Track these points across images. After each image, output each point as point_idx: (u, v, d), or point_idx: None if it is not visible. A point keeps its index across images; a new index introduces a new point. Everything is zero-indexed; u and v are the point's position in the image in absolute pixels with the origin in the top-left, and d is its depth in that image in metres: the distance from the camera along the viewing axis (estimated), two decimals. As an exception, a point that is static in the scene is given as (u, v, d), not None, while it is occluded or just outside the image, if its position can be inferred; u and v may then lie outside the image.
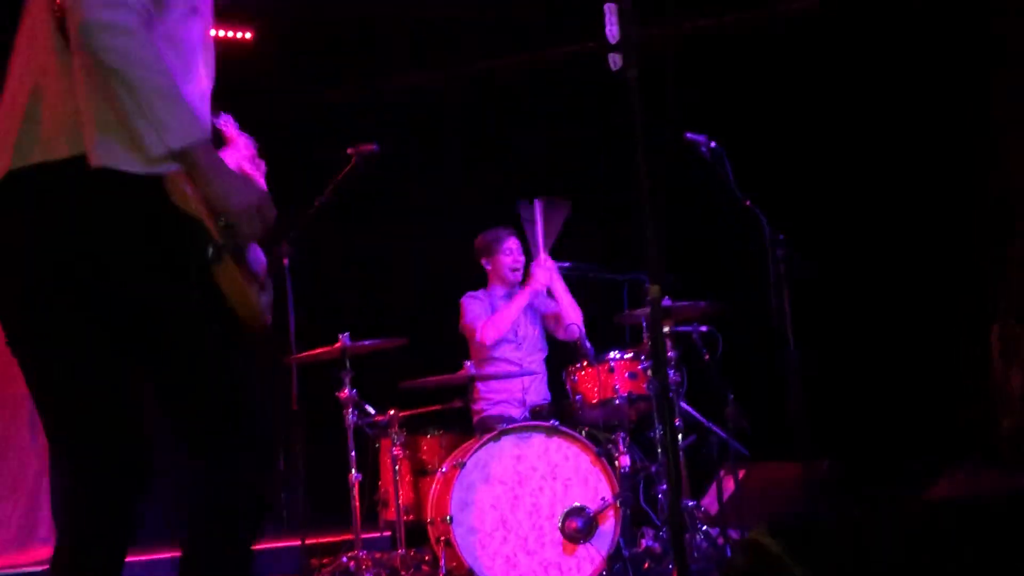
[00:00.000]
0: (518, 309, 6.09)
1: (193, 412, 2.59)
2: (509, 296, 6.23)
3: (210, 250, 2.42)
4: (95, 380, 2.53)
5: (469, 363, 6.00)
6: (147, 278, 2.44)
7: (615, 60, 2.93)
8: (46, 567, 7.39)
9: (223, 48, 7.72)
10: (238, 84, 8.29)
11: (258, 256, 2.84)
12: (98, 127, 2.36)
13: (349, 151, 5.81)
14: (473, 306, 6.23)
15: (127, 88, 2.30)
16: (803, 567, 1.76)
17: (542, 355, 6.26)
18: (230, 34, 8.23)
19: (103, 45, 2.29)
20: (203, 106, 2.58)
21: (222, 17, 8.16)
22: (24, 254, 2.43)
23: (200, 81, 2.59)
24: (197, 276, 2.45)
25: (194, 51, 2.57)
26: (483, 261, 6.33)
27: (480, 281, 6.37)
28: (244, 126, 8.54)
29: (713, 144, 5.54)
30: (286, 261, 5.95)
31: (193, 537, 2.59)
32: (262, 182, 3.10)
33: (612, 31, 2.97)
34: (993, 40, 6.94)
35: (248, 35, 8.26)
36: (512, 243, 6.29)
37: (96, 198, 2.38)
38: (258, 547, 7.25)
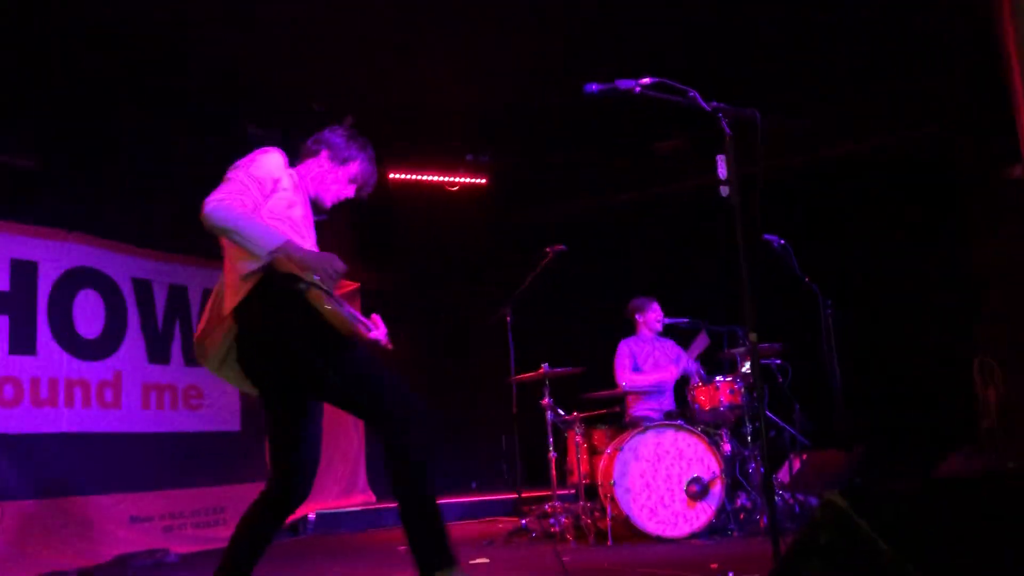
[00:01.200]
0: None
1: (360, 410, 2.96)
2: (653, 341, 6.16)
3: (301, 285, 2.69)
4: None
5: (624, 383, 5.97)
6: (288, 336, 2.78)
7: (724, 190, 2.92)
8: (363, 508, 7.54)
9: (467, 190, 7.83)
10: (477, 211, 8.57)
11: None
12: (237, 259, 2.79)
13: (547, 249, 5.87)
14: (624, 353, 6.10)
15: (232, 234, 2.72)
16: (863, 519, 1.71)
17: (672, 380, 6.15)
18: (470, 180, 8.46)
19: (212, 216, 2.69)
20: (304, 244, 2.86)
21: (466, 170, 8.41)
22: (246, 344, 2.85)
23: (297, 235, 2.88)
24: (303, 306, 2.70)
25: (290, 219, 2.91)
26: (636, 316, 6.23)
27: (626, 330, 6.32)
28: (481, 239, 8.73)
29: (783, 241, 5.43)
30: (508, 319, 6.04)
31: (395, 475, 2.76)
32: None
33: (722, 171, 2.96)
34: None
35: (483, 180, 8.48)
36: (656, 305, 6.22)
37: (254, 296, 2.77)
38: (488, 497, 7.22)
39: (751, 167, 3.03)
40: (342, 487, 7.35)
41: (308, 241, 2.96)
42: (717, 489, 5.12)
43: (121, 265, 6.18)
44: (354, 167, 3.15)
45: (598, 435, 5.73)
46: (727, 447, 5.38)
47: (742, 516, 5.27)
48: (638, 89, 3.02)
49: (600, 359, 6.25)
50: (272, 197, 2.88)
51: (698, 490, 5.10)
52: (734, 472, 5.48)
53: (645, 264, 8.34)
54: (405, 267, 8.63)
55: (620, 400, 6.09)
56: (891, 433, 6.79)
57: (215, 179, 2.83)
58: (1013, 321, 6.15)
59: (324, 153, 3.13)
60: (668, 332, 6.24)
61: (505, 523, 6.50)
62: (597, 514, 5.40)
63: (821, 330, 5.50)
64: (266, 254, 2.71)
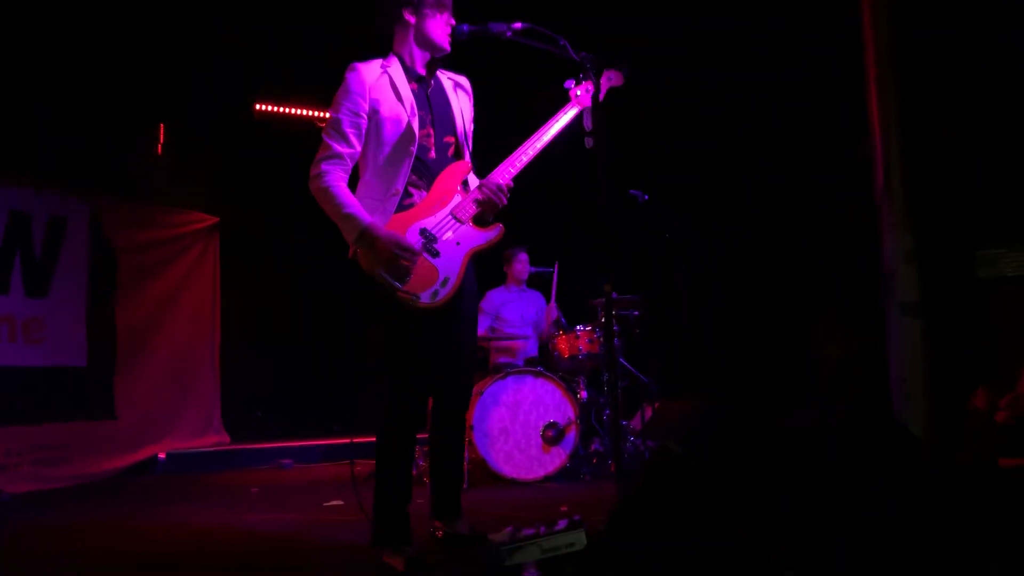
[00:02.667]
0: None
1: None
2: (519, 292, 6.19)
3: (373, 289, 2.87)
4: None
5: (486, 328, 6.00)
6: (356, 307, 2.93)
7: (589, 142, 2.94)
8: (217, 449, 7.34)
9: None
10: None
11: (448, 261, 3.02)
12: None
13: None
14: (488, 305, 6.10)
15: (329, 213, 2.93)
16: (696, 463, 1.78)
17: (536, 329, 6.24)
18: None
19: (315, 196, 2.94)
20: (402, 176, 2.97)
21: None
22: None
23: (399, 160, 2.97)
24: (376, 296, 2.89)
25: (397, 145, 2.97)
26: (504, 267, 6.28)
27: (497, 279, 6.34)
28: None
29: (646, 197, 5.54)
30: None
31: None
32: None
33: (588, 122, 2.98)
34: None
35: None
36: (523, 255, 6.24)
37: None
38: (349, 440, 6.99)
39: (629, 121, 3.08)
40: (196, 427, 7.14)
41: (416, 142, 2.98)
42: (572, 435, 5.25)
43: (-46, 187, 5.73)
44: (435, 10, 3.07)
45: (459, 380, 5.76)
46: (584, 394, 5.53)
47: (595, 460, 5.44)
48: (509, 33, 2.99)
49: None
50: (373, 124, 2.96)
51: (554, 435, 5.22)
52: (590, 418, 5.63)
53: (516, 213, 8.35)
54: (269, 204, 8.34)
55: (487, 346, 6.12)
56: (740, 383, 7.12)
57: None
58: (852, 280, 6.51)
59: (404, 13, 3.06)
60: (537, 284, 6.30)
61: (364, 465, 6.47)
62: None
63: (678, 284, 5.68)
64: (351, 242, 2.89)
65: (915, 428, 3.87)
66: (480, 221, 3.08)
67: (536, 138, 3.12)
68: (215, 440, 7.26)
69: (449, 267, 2.93)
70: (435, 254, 2.92)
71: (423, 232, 2.93)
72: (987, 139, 6.26)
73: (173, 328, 7.11)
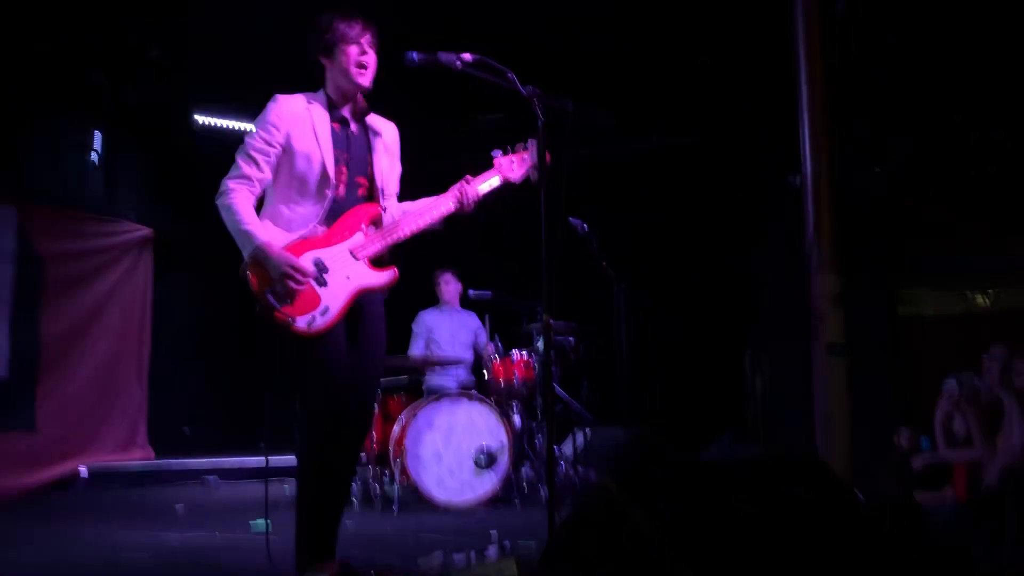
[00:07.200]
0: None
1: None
2: (452, 313, 6.24)
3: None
4: None
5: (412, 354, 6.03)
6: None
7: (534, 174, 2.97)
8: (142, 464, 7.14)
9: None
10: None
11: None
12: None
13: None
14: (419, 325, 6.24)
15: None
16: (631, 501, 1.81)
17: (470, 352, 6.26)
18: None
19: (219, 212, 2.94)
20: (308, 209, 3.00)
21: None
22: None
23: (308, 194, 3.00)
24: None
25: (307, 180, 3.00)
26: (436, 288, 6.33)
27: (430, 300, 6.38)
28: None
29: (586, 226, 5.60)
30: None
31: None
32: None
33: (533, 156, 3.01)
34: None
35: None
36: (447, 276, 6.32)
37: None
38: (277, 458, 6.82)
39: (570, 151, 3.12)
40: (120, 441, 6.95)
41: (328, 179, 2.99)
42: (504, 460, 5.26)
43: None
44: (344, 45, 3.05)
45: (393, 403, 5.71)
46: (517, 419, 5.54)
47: (525, 487, 5.45)
48: (459, 64, 2.99)
49: (400, 323, 6.23)
50: (286, 156, 2.99)
51: (486, 460, 5.22)
52: (522, 444, 5.64)
53: (452, 234, 8.35)
54: (204, 217, 8.17)
55: (421, 369, 6.10)
56: (669, 413, 7.22)
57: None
58: (781, 318, 6.67)
59: (320, 58, 3.11)
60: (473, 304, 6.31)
61: (293, 486, 6.36)
62: (386, 480, 5.42)
63: (614, 313, 5.74)
64: (245, 257, 2.88)
65: (838, 465, 3.99)
66: (377, 263, 3.06)
67: (445, 198, 3.18)
68: (140, 455, 7.08)
69: (332, 298, 2.89)
70: (322, 283, 2.89)
71: (316, 262, 2.91)
72: (908, 178, 6.50)
73: (101, 339, 6.93)
